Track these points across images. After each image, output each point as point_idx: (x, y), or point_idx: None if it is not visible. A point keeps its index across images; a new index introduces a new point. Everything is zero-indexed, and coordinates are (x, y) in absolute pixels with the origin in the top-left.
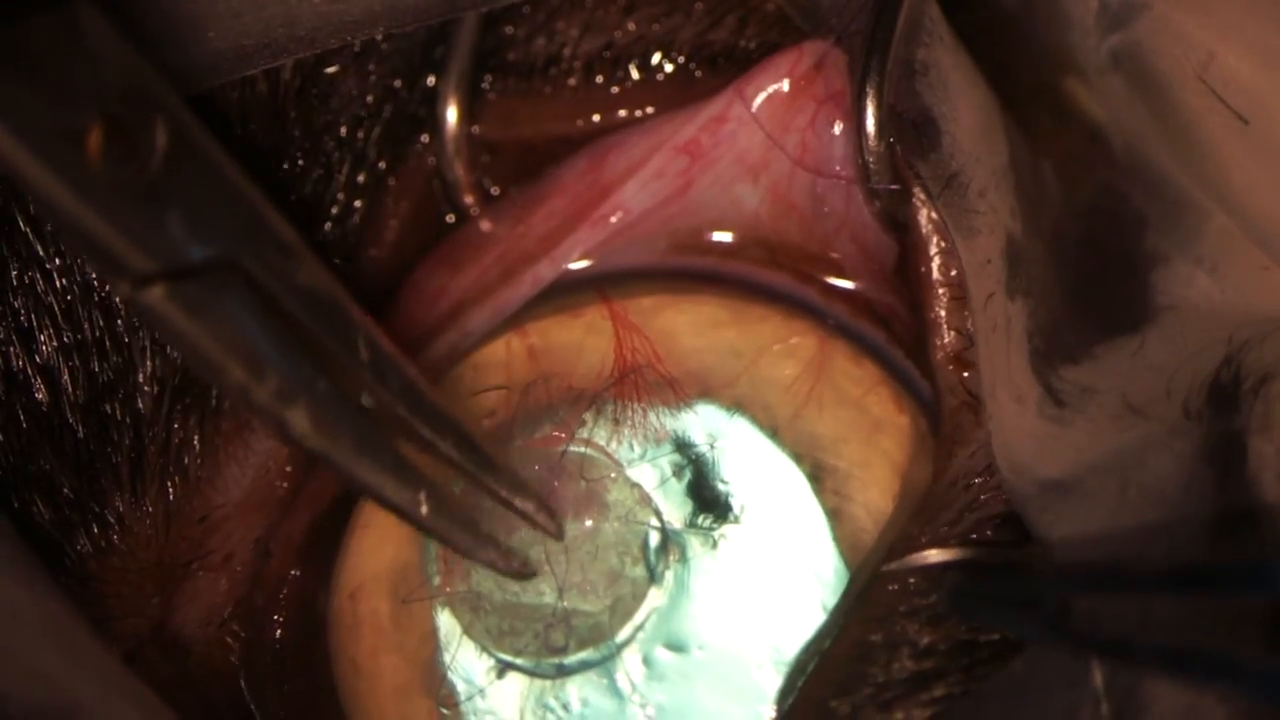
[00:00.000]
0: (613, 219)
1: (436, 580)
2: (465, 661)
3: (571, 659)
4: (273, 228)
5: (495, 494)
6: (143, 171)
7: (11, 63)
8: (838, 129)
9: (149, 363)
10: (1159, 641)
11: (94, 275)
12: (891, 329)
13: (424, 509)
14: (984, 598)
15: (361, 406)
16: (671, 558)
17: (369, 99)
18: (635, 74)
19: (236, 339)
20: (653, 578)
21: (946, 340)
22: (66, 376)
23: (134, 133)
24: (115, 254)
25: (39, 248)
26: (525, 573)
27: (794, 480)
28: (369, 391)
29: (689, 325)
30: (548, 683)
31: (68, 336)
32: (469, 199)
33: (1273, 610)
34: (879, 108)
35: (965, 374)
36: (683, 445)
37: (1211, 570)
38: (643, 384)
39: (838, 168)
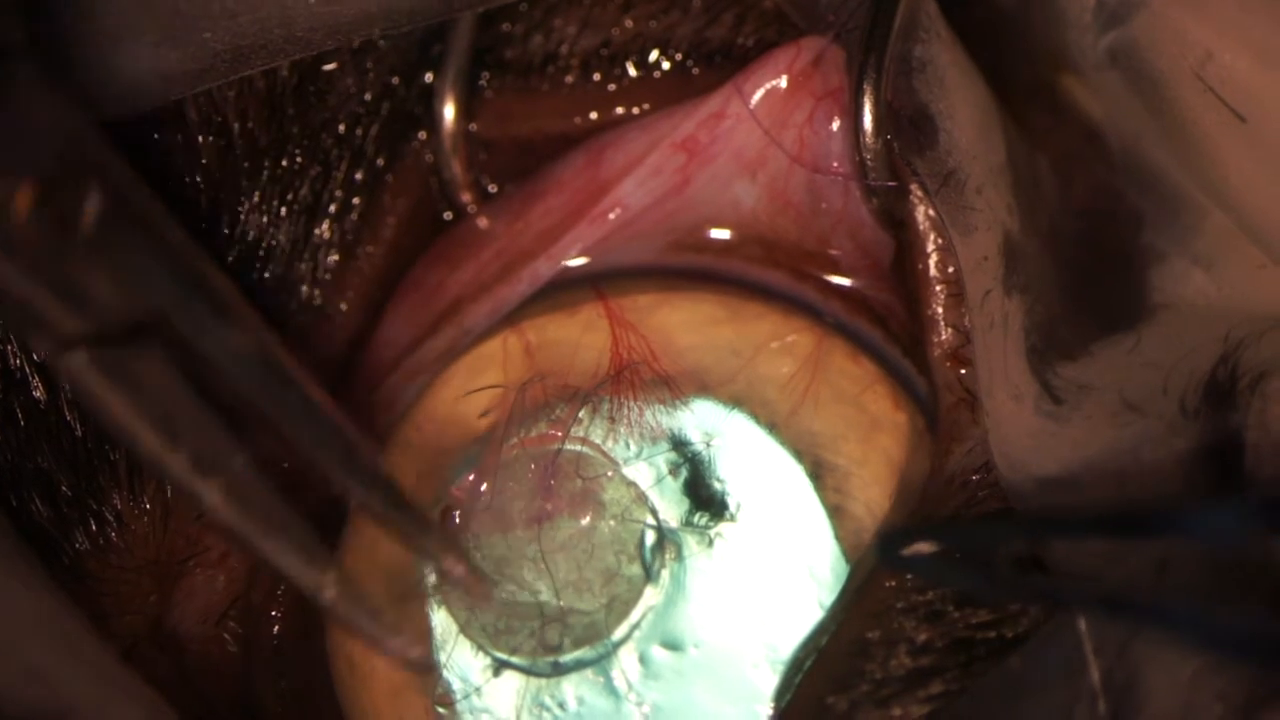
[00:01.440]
0: (611, 216)
1: (433, 578)
2: (461, 660)
3: (567, 657)
4: (210, 289)
5: (426, 554)
6: (74, 234)
7: None
8: (835, 125)
9: None
10: (1127, 594)
11: None
12: (888, 326)
13: (330, 592)
14: (933, 552)
15: (274, 485)
16: (667, 556)
17: (367, 96)
18: (633, 71)
19: (154, 408)
20: (649, 576)
21: (944, 337)
22: None
23: (67, 194)
24: (40, 317)
25: None
26: (422, 667)
27: (793, 478)
28: (302, 453)
29: (685, 323)
30: (544, 681)
31: None
32: (466, 196)
33: (1247, 558)
34: (876, 104)
35: (962, 371)
36: (679, 443)
37: (1184, 512)
38: (639, 382)
39: (835, 164)
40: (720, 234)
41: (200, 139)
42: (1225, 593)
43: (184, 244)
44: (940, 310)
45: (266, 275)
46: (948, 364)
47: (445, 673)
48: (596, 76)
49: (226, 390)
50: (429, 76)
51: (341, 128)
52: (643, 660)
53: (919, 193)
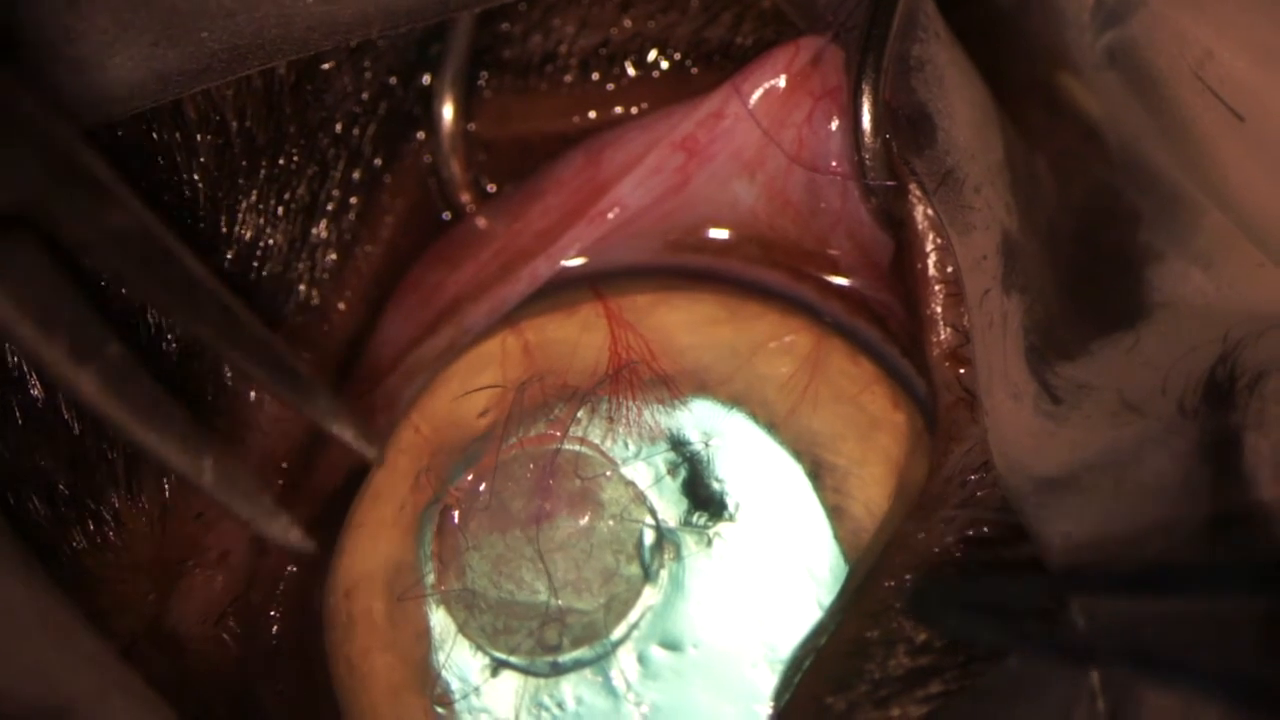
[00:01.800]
0: (609, 215)
1: (431, 578)
2: (460, 660)
3: (566, 657)
4: (85, 171)
5: (316, 420)
6: None
7: None
8: (834, 125)
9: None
10: (1150, 649)
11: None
12: (887, 326)
13: (208, 477)
14: (957, 602)
15: (150, 372)
16: (666, 556)
17: (365, 96)
18: (631, 71)
19: (28, 297)
20: (647, 576)
21: (942, 337)
22: None
23: None
24: None
25: None
26: (300, 546)
27: (792, 477)
28: (185, 325)
29: (684, 322)
30: (542, 681)
31: None
32: (465, 196)
33: (1267, 616)
34: (875, 104)
35: (961, 371)
36: (677, 443)
37: (1204, 571)
38: (637, 381)
39: (834, 164)
40: (719, 233)
41: (198, 137)
42: (1230, 642)
43: (56, 125)
44: (939, 309)
45: (264, 274)
46: (946, 363)
47: (444, 673)
48: (595, 76)
49: (106, 276)
50: (427, 77)
51: (339, 127)
52: (641, 660)
53: (917, 192)
